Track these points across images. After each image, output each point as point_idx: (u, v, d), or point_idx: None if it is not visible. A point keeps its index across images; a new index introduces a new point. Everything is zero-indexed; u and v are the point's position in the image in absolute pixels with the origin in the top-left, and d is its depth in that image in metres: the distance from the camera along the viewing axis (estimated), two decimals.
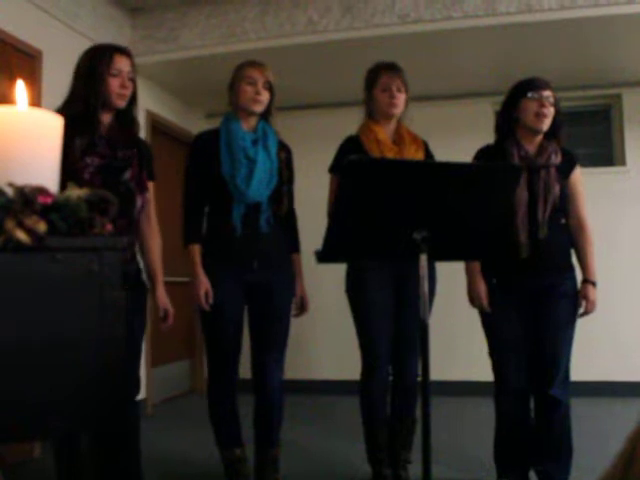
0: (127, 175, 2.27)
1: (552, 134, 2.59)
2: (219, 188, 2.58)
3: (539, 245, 2.47)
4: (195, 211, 2.66)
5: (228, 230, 2.56)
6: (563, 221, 2.60)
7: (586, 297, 2.53)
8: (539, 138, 2.58)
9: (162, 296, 2.48)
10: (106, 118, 2.31)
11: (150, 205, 2.46)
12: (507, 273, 2.56)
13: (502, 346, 2.59)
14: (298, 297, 2.76)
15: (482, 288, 2.57)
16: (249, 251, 2.58)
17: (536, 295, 2.53)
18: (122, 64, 2.28)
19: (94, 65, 2.25)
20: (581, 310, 2.56)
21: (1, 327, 0.86)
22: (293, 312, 2.76)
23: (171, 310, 2.49)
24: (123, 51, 2.33)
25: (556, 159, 2.54)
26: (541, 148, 2.56)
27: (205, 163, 2.62)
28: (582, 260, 2.60)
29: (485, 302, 2.56)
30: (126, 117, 2.36)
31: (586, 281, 2.56)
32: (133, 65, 2.34)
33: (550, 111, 2.53)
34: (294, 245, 2.78)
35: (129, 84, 2.30)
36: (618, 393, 4.73)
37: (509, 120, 2.60)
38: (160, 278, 2.49)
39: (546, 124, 2.53)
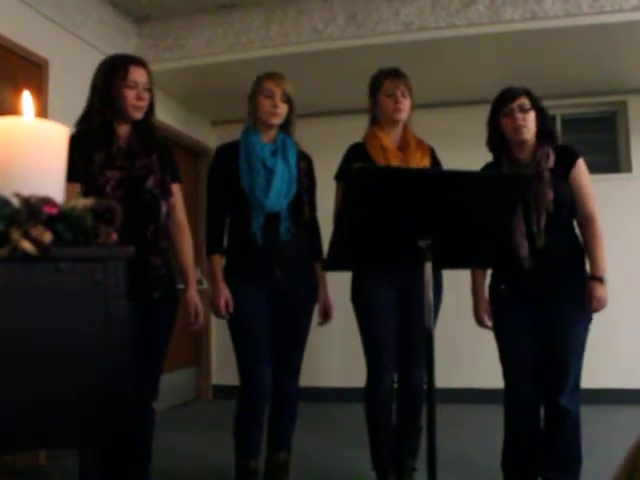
0: (150, 182, 2.28)
1: (545, 136, 2.57)
2: (240, 199, 2.61)
3: (539, 254, 2.45)
4: (217, 222, 2.70)
5: (249, 240, 2.59)
6: (574, 222, 2.56)
7: (591, 294, 2.44)
8: (530, 144, 2.56)
9: (194, 296, 2.48)
10: (124, 130, 2.32)
11: (178, 208, 2.47)
12: (514, 280, 2.55)
13: (511, 353, 2.58)
14: (322, 304, 2.78)
15: (482, 309, 2.62)
16: (271, 260, 2.60)
17: (544, 302, 2.50)
18: (137, 75, 2.28)
19: (110, 78, 2.25)
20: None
21: (5, 337, 0.87)
22: (317, 320, 2.78)
23: (201, 309, 2.51)
24: (138, 62, 2.33)
25: (547, 163, 2.50)
26: (533, 154, 2.54)
27: (226, 175, 2.66)
28: (589, 256, 2.52)
29: (485, 322, 2.62)
30: (144, 127, 2.36)
31: (592, 278, 2.48)
32: (149, 75, 2.34)
33: (526, 118, 2.51)
34: (316, 253, 2.79)
35: (145, 95, 2.30)
36: (622, 401, 4.71)
37: (496, 137, 2.61)
38: (192, 279, 2.50)
39: (526, 133, 2.52)
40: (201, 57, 4.32)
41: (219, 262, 2.65)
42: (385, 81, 2.75)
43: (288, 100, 2.68)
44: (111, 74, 2.26)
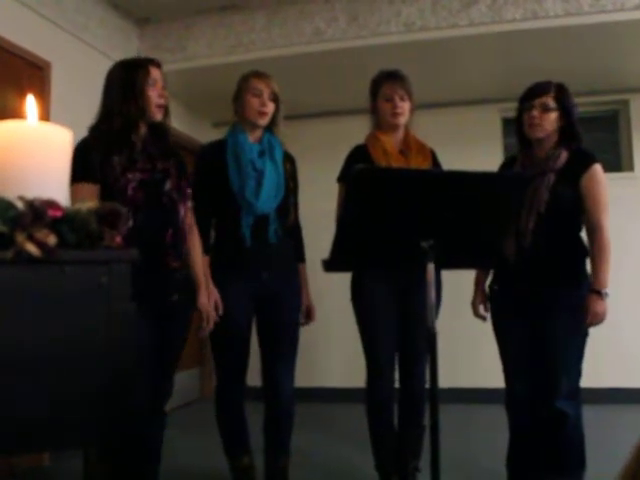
0: (168, 185, 2.27)
1: (566, 137, 2.51)
2: (227, 200, 2.58)
3: (527, 253, 2.43)
4: (203, 223, 2.65)
5: (237, 241, 2.57)
6: (580, 226, 2.52)
7: (588, 308, 2.38)
8: (550, 144, 2.51)
9: (205, 302, 2.46)
10: (142, 131, 2.29)
11: (189, 214, 2.44)
12: (504, 281, 2.56)
13: (508, 355, 2.59)
14: (304, 306, 2.77)
15: (478, 300, 2.67)
16: (258, 262, 2.59)
17: (534, 305, 2.48)
18: (156, 75, 2.28)
19: (132, 78, 2.22)
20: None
21: (10, 339, 0.87)
22: (300, 321, 2.77)
23: (213, 315, 2.49)
24: (156, 63, 2.32)
25: (555, 164, 2.45)
26: (548, 154, 2.50)
27: (212, 175, 2.62)
28: (592, 267, 2.46)
29: (479, 312, 2.67)
30: (160, 128, 2.34)
31: (591, 291, 2.41)
32: (163, 76, 2.33)
33: (543, 117, 2.45)
34: (300, 255, 2.79)
35: (165, 94, 2.30)
36: (628, 400, 4.70)
37: (520, 132, 2.58)
38: (203, 284, 2.48)
39: (539, 131, 2.47)
40: (203, 59, 4.33)
41: (207, 263, 2.61)
42: (383, 85, 2.72)
43: (275, 99, 2.64)
44: (134, 74, 2.23)
